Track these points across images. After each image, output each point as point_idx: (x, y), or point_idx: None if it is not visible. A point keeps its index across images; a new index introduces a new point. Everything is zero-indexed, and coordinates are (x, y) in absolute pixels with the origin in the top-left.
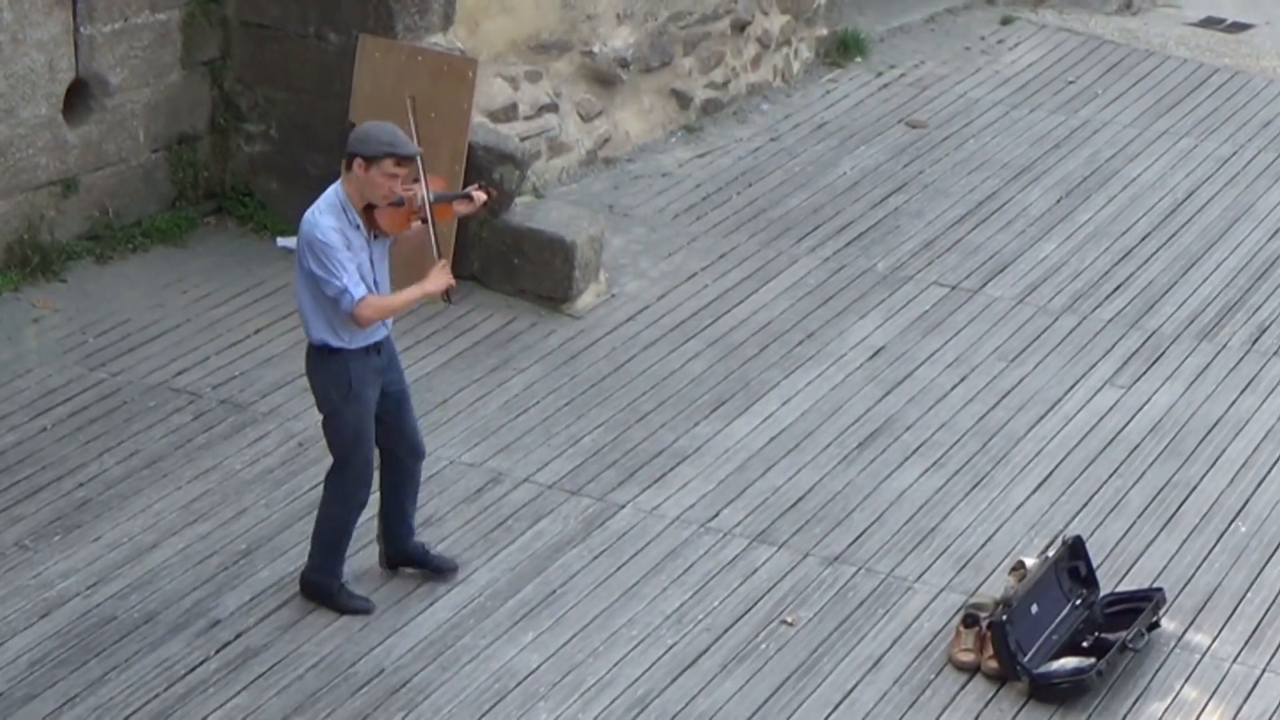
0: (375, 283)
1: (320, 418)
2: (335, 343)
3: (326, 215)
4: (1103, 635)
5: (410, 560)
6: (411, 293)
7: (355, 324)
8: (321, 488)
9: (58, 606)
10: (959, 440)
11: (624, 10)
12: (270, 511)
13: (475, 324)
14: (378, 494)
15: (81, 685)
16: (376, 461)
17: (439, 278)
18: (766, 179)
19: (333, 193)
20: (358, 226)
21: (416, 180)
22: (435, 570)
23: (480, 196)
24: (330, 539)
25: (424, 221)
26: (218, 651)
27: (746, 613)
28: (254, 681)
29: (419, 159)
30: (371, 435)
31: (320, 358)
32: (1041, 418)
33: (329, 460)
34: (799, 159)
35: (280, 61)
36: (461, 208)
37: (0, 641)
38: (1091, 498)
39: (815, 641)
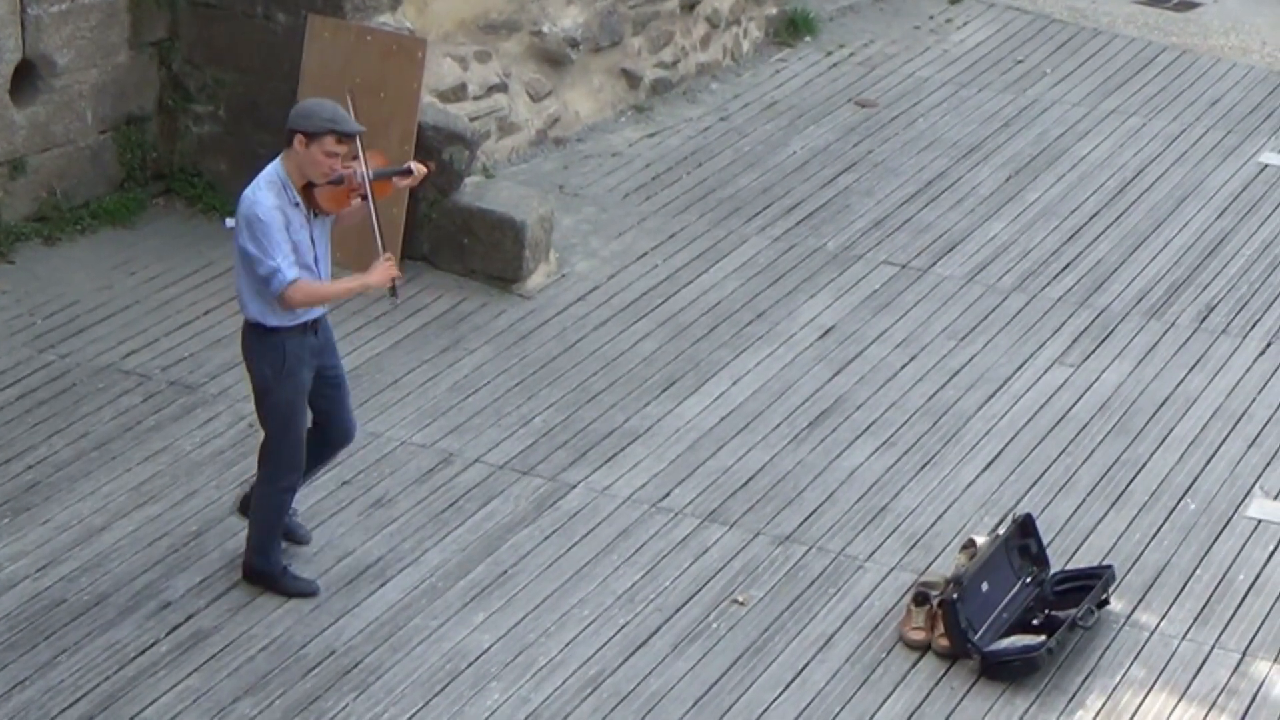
0: (315, 261)
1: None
2: (271, 321)
3: (266, 192)
4: (1053, 613)
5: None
6: (350, 283)
7: (283, 305)
8: None
9: (6, 590)
10: (909, 419)
11: None
12: (221, 493)
13: (425, 304)
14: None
15: (31, 669)
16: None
17: (383, 272)
18: (716, 158)
19: (273, 170)
20: (297, 204)
21: (355, 158)
22: (295, 540)
23: (419, 169)
24: (266, 521)
25: (364, 199)
26: (168, 634)
27: (698, 592)
28: (205, 663)
29: (358, 138)
30: (304, 415)
31: (255, 335)
32: (991, 396)
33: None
34: (748, 138)
35: (228, 42)
36: (401, 182)
37: None
38: (1041, 476)
39: (766, 621)
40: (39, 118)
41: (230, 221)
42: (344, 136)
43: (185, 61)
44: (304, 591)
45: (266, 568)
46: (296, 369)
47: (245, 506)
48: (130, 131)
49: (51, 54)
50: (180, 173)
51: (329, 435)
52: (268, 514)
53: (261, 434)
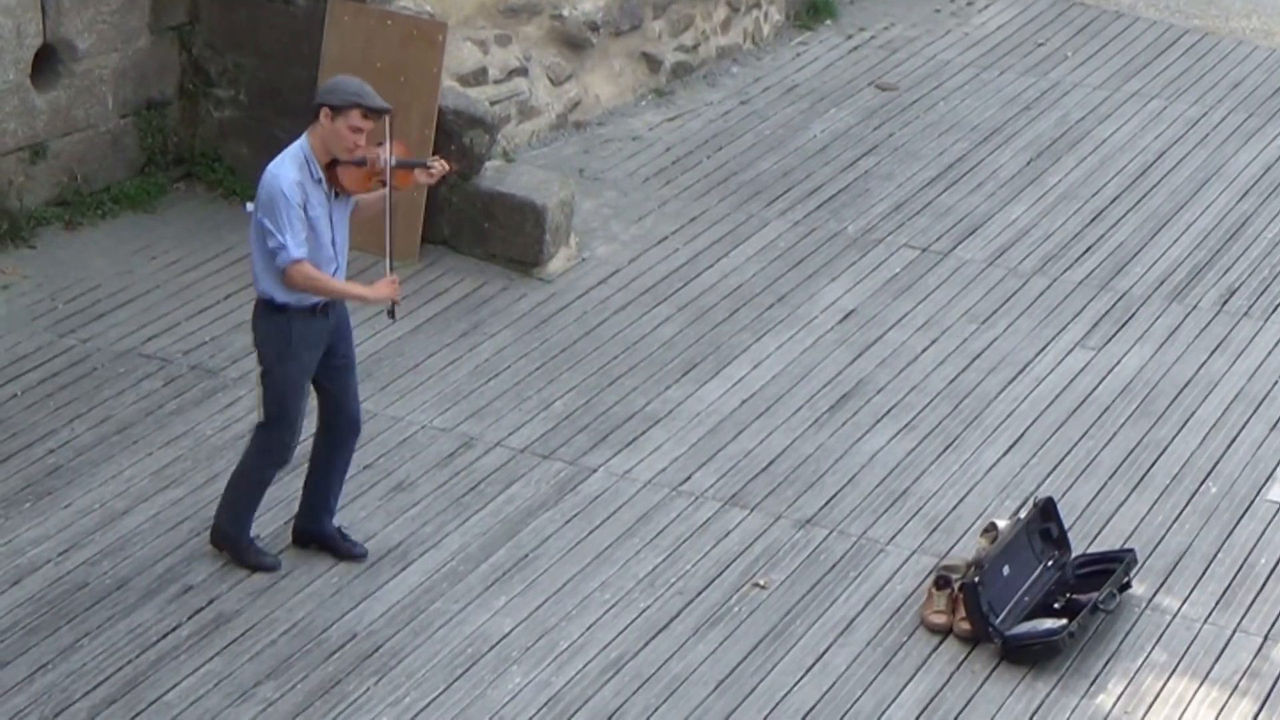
0: (333, 244)
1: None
2: (281, 298)
3: (289, 167)
4: (1074, 596)
5: (323, 541)
6: (351, 289)
7: (284, 282)
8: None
9: (29, 573)
10: (930, 403)
11: None
12: None
13: (446, 289)
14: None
15: (53, 652)
16: (311, 429)
17: (384, 289)
18: (737, 142)
19: (298, 145)
20: (319, 181)
21: (381, 144)
22: (345, 557)
23: (440, 168)
24: (246, 490)
25: (383, 184)
26: (190, 617)
27: (719, 576)
28: (227, 647)
29: (388, 121)
30: (304, 397)
31: (265, 312)
32: (1012, 380)
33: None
34: (769, 122)
35: (249, 26)
36: (422, 177)
37: None
38: (1063, 459)
39: (788, 604)
40: (60, 102)
41: (251, 206)
42: (369, 111)
43: (206, 46)
44: (266, 566)
45: (234, 533)
46: (301, 350)
47: (296, 537)
48: (151, 116)
49: (72, 38)
50: (201, 157)
51: (337, 426)
52: (249, 488)
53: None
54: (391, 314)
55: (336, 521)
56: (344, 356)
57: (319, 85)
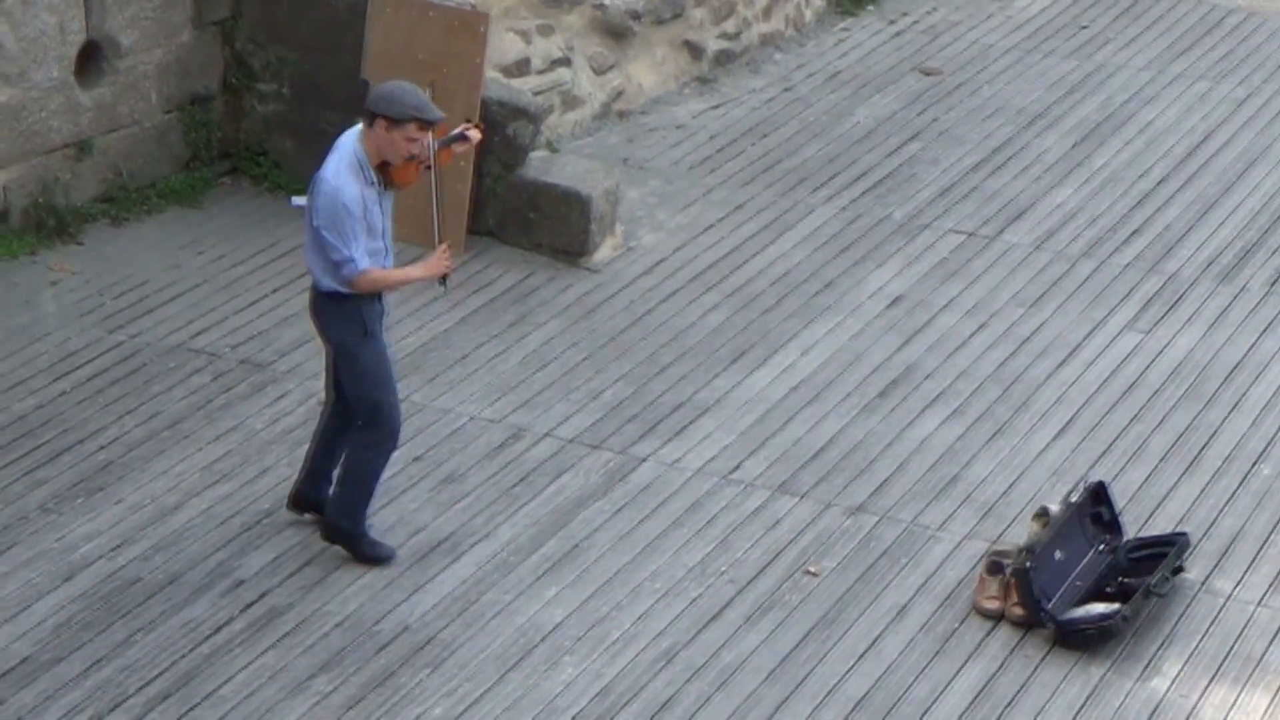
0: (384, 233)
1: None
2: (346, 289)
3: (349, 180)
4: (1127, 580)
5: (320, 508)
6: (410, 272)
7: (350, 290)
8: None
9: (82, 569)
10: (979, 387)
11: None
12: (292, 470)
13: (492, 280)
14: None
15: (108, 648)
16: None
17: (438, 263)
18: (781, 129)
19: (350, 150)
20: (372, 183)
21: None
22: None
23: (474, 134)
24: (362, 485)
25: (428, 168)
26: (242, 611)
27: (770, 564)
28: (279, 640)
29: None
30: (394, 374)
31: (333, 304)
32: (1061, 363)
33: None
34: (813, 109)
35: (291, 20)
36: (460, 148)
37: (25, 605)
38: (1113, 443)
39: (839, 591)
40: (105, 99)
41: (296, 200)
42: (426, 124)
43: (249, 40)
44: (381, 556)
45: (351, 528)
46: (377, 331)
47: (295, 502)
48: (195, 111)
49: (116, 35)
50: (246, 151)
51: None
52: (365, 478)
53: (324, 405)
54: (444, 283)
55: (381, 509)
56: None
57: (368, 83)
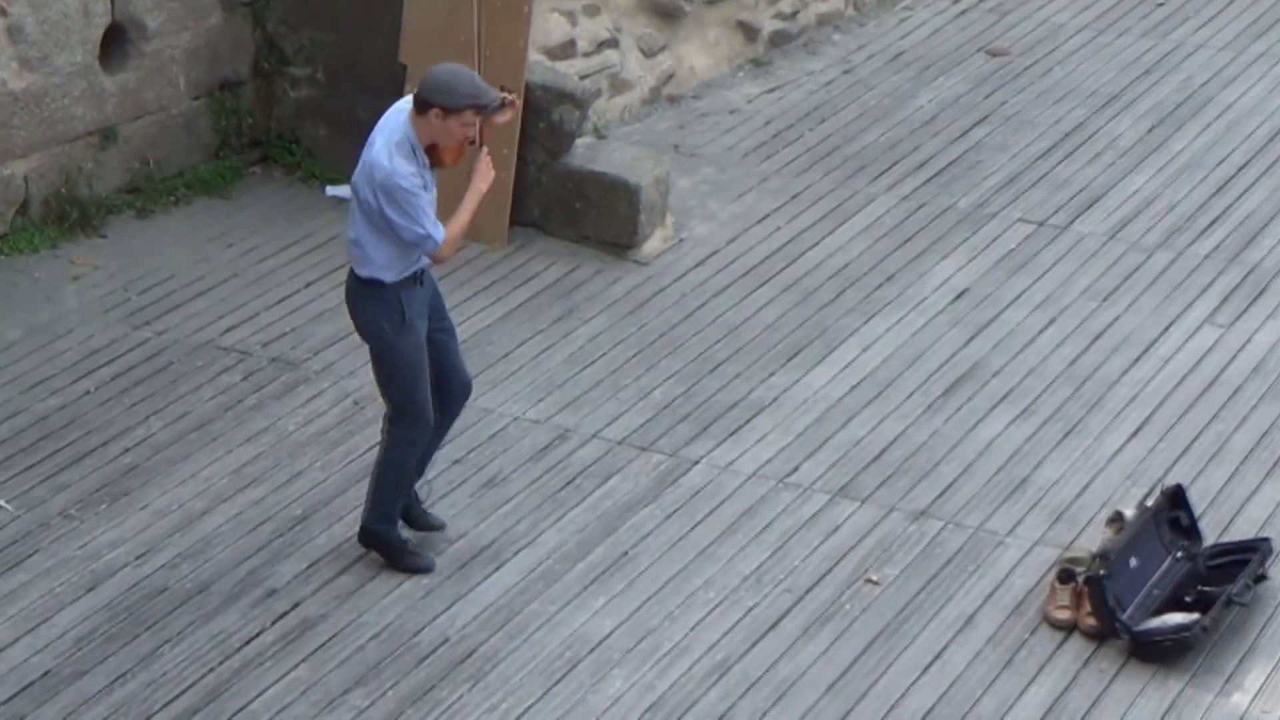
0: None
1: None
2: (388, 277)
3: (401, 161)
4: (1206, 589)
5: (406, 504)
6: (468, 202)
7: (436, 262)
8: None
9: (106, 578)
10: (1049, 386)
11: None
12: (326, 474)
13: (537, 273)
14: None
15: (133, 660)
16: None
17: (485, 172)
18: (840, 114)
19: (401, 133)
20: (425, 165)
21: None
22: (423, 527)
23: (511, 98)
24: (393, 483)
25: (472, 143)
26: (274, 622)
27: (829, 572)
28: (313, 653)
29: None
30: (428, 369)
31: (370, 292)
32: (1136, 360)
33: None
34: (874, 92)
35: (325, 1)
36: (501, 119)
37: (47, 616)
38: (1191, 444)
39: (902, 601)
40: (130, 84)
41: (331, 189)
42: (481, 109)
43: (280, 22)
44: (420, 567)
45: (384, 530)
46: (415, 321)
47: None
48: (224, 97)
49: (142, 17)
50: (277, 139)
51: (450, 388)
52: (396, 479)
53: (365, 407)
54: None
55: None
56: (446, 319)
57: (405, 66)
